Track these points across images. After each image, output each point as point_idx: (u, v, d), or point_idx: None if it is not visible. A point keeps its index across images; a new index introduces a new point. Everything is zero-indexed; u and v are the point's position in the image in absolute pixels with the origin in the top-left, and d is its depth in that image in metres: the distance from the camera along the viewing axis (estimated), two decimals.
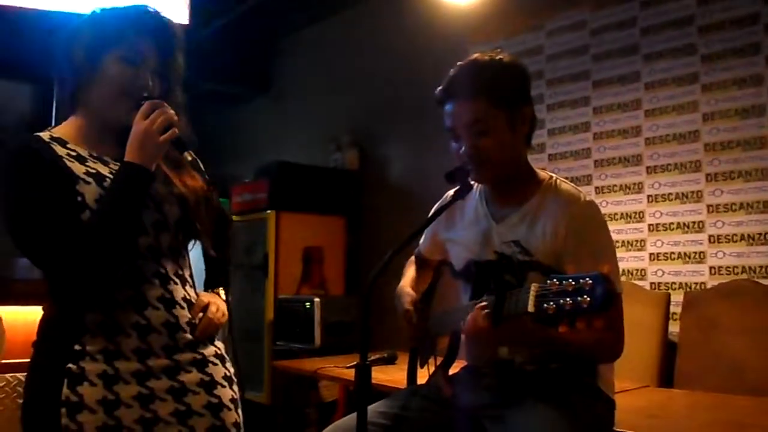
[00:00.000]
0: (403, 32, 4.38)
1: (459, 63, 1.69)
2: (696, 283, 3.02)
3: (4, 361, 2.52)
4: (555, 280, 1.19)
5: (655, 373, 2.80)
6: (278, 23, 5.26)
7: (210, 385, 1.51)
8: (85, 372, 1.38)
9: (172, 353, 1.47)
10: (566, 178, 1.73)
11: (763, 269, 2.84)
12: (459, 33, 3.98)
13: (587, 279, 1.13)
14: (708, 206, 3.02)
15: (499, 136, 1.61)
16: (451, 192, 1.72)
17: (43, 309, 1.47)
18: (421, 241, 1.94)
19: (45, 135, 1.45)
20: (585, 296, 1.12)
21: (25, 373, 1.45)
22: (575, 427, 1.52)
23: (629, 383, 2.43)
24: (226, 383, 1.55)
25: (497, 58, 1.65)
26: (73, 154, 1.43)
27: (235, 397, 1.56)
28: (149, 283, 1.45)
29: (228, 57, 5.16)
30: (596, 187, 3.38)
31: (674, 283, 3.10)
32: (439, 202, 1.83)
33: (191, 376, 1.48)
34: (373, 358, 2.94)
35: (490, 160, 1.62)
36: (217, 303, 1.57)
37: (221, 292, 1.65)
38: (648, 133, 3.25)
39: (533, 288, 1.23)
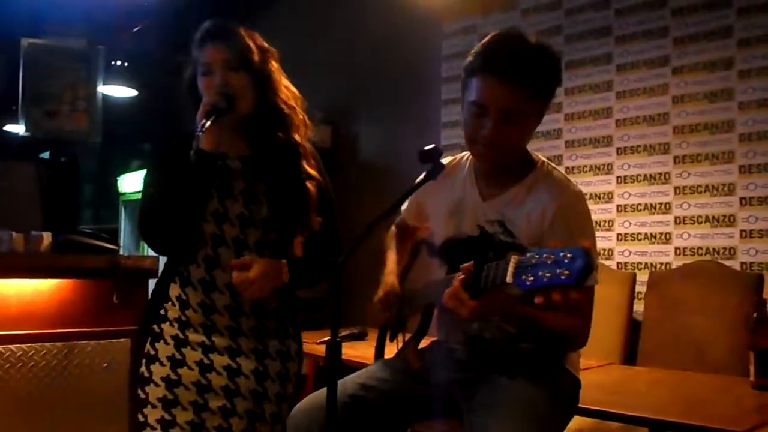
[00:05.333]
0: (377, 9, 4.34)
1: (498, 33, 1.58)
2: (661, 263, 3.08)
3: None
4: (535, 252, 1.18)
5: (619, 350, 2.86)
6: None
7: (263, 375, 1.69)
8: (163, 332, 1.67)
9: (234, 336, 1.68)
10: None
11: (726, 251, 2.90)
12: (433, 10, 3.96)
13: (567, 252, 1.13)
14: (675, 188, 3.07)
15: (525, 128, 1.59)
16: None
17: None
18: (404, 207, 1.89)
19: None
20: (564, 269, 1.12)
21: None
22: (547, 402, 1.55)
23: (594, 360, 2.49)
24: (276, 378, 1.73)
25: (543, 44, 1.56)
26: None
27: (281, 392, 1.73)
28: (222, 270, 1.66)
29: None
30: (566, 168, 3.41)
31: (640, 263, 3.16)
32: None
33: (248, 362, 1.68)
34: (343, 334, 2.95)
35: (505, 147, 1.58)
36: (262, 268, 1.63)
37: (284, 263, 1.69)
38: (618, 115, 3.28)
39: (513, 259, 1.23)
